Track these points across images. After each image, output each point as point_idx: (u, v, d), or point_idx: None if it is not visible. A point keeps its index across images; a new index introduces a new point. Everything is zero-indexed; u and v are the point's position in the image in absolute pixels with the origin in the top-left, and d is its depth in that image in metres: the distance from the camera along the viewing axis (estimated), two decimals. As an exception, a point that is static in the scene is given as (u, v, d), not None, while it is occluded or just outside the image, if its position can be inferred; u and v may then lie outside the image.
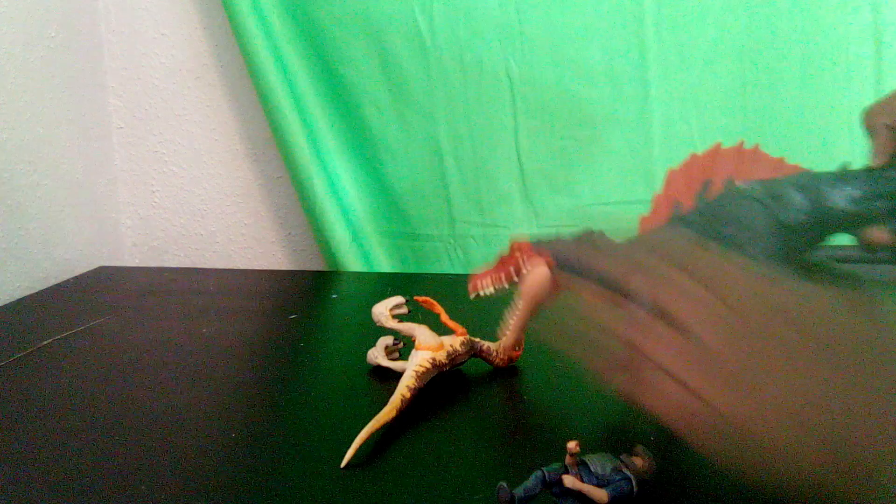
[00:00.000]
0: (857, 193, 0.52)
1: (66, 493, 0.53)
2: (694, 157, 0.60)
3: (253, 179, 1.33)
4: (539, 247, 0.61)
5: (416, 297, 0.71)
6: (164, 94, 1.31)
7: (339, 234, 1.20)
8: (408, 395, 0.61)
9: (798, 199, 0.53)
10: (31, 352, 0.81)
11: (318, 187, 1.18)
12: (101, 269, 1.24)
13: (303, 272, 1.31)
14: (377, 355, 0.73)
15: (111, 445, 0.60)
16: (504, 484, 0.44)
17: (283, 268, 1.37)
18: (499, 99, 1.14)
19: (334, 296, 1.10)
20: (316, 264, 1.33)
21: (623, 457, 0.47)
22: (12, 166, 1.05)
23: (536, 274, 0.60)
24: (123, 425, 0.64)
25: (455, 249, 1.20)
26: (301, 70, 1.19)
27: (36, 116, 1.11)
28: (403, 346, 0.75)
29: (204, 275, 1.22)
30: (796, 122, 1.05)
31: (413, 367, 0.64)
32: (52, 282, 1.13)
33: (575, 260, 0.56)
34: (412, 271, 1.22)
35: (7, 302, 1.02)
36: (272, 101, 1.17)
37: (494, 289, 0.61)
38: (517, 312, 0.65)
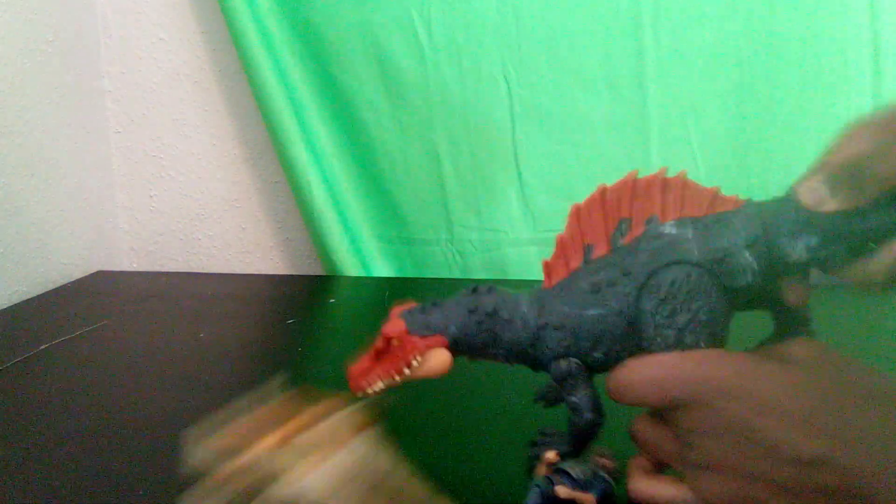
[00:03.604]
0: (814, 241, 0.43)
1: (63, 498, 0.53)
2: (604, 188, 0.48)
3: (251, 184, 1.33)
4: (422, 328, 0.49)
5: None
6: (161, 98, 1.31)
7: (337, 239, 1.20)
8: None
9: (747, 260, 0.44)
10: (29, 356, 0.81)
11: (316, 192, 1.18)
12: (99, 273, 1.24)
13: (300, 277, 1.31)
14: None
15: (109, 449, 0.60)
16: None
17: (281, 272, 1.37)
18: (496, 103, 1.14)
19: (332, 300, 1.10)
20: (314, 269, 1.33)
21: (593, 459, 0.48)
22: (10, 171, 1.05)
23: (435, 362, 0.48)
24: (121, 429, 0.64)
25: (453, 254, 1.20)
26: (299, 74, 1.19)
27: (33, 121, 1.11)
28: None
29: (202, 279, 1.22)
30: (794, 126, 1.05)
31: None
32: (50, 286, 1.13)
33: (475, 335, 0.48)
34: (410, 276, 1.22)
35: (5, 306, 1.02)
36: (270, 106, 1.17)
37: (386, 386, 0.49)
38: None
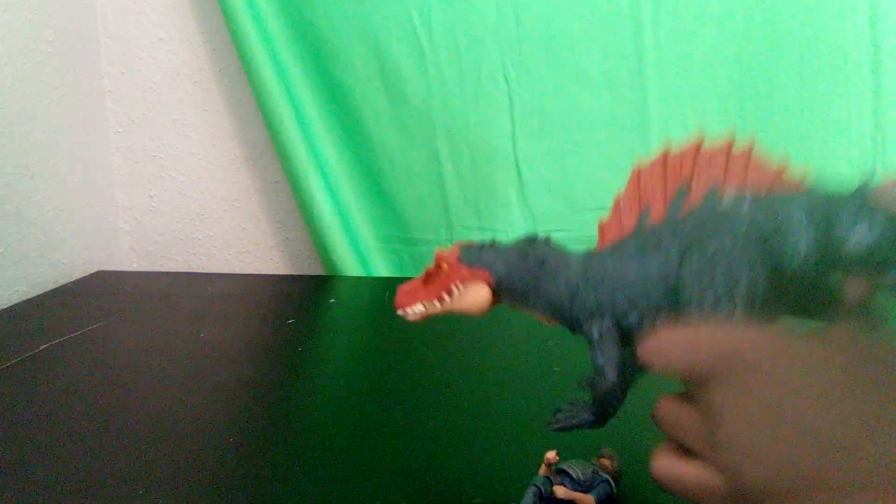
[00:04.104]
0: (873, 238, 0.40)
1: (64, 497, 0.53)
2: (667, 152, 0.48)
3: (251, 184, 1.33)
4: (473, 260, 0.50)
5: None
6: (161, 98, 1.31)
7: (337, 239, 1.20)
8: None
9: (799, 240, 0.41)
10: (30, 356, 0.81)
11: (316, 192, 1.18)
12: (99, 273, 1.24)
13: (300, 277, 1.31)
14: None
15: (109, 449, 0.60)
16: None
17: (281, 272, 1.37)
18: (497, 104, 1.14)
19: (332, 300, 1.10)
20: (314, 269, 1.33)
21: (594, 461, 0.48)
22: (10, 171, 1.05)
23: (474, 297, 0.49)
24: (121, 429, 0.64)
25: (453, 254, 1.20)
26: (299, 75, 1.19)
27: (34, 121, 1.11)
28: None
29: (202, 279, 1.22)
30: (794, 127, 1.05)
31: None
32: (50, 286, 1.13)
33: (519, 280, 0.48)
34: (410, 276, 1.22)
35: (5, 306, 1.02)
36: (270, 106, 1.17)
37: (426, 309, 0.49)
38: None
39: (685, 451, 0.39)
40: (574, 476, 0.46)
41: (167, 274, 1.28)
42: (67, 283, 1.16)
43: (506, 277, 0.48)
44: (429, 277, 0.50)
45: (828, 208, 0.42)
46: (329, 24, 1.14)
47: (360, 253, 1.23)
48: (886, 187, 0.41)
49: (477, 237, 1.16)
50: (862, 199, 0.41)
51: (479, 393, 0.70)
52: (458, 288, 0.48)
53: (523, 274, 0.48)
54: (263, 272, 1.36)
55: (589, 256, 0.48)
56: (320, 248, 1.23)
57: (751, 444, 0.35)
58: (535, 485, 0.46)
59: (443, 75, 1.13)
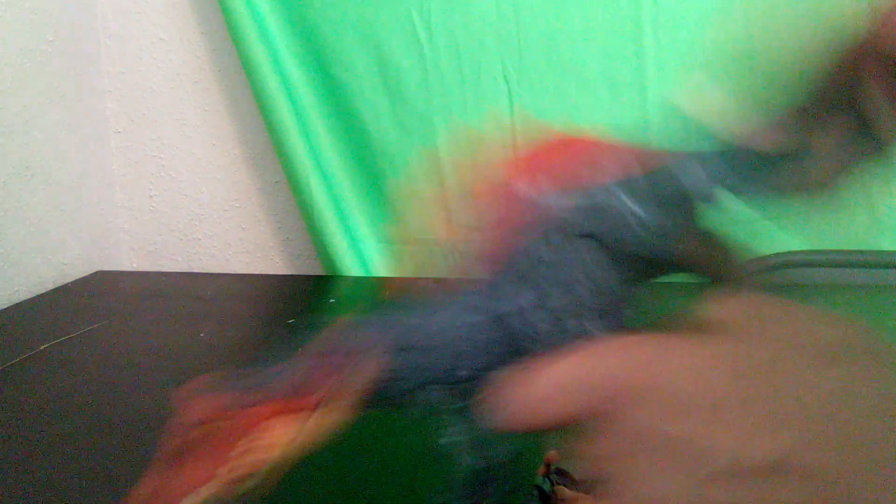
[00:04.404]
0: (712, 159, 0.33)
1: (63, 498, 0.53)
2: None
3: (251, 184, 1.33)
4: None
5: None
6: (161, 98, 1.31)
7: (337, 239, 1.20)
8: None
9: (626, 205, 0.33)
10: (29, 356, 0.81)
11: (316, 192, 1.18)
12: (99, 273, 1.24)
13: (300, 277, 1.31)
14: None
15: (108, 450, 0.60)
16: None
17: (281, 272, 1.37)
18: (496, 103, 1.14)
19: (332, 301, 1.10)
20: (314, 269, 1.33)
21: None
22: (10, 170, 1.05)
23: None
24: (121, 430, 0.64)
25: (453, 255, 1.20)
26: (299, 74, 1.19)
27: (33, 120, 1.11)
28: None
29: (201, 279, 1.22)
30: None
31: None
32: (50, 286, 1.13)
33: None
34: (409, 277, 1.22)
35: (5, 306, 1.02)
36: (270, 106, 1.17)
37: None
38: None
39: None
40: (575, 476, 0.46)
41: (167, 274, 1.28)
42: (67, 283, 1.16)
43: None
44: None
45: (641, 156, 0.34)
46: (329, 24, 1.14)
47: (360, 253, 1.23)
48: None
49: (477, 237, 1.17)
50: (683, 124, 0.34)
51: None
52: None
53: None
54: (263, 272, 1.36)
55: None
56: (320, 247, 1.22)
57: (641, 494, 0.27)
58: (537, 485, 0.46)
59: (442, 74, 1.13)
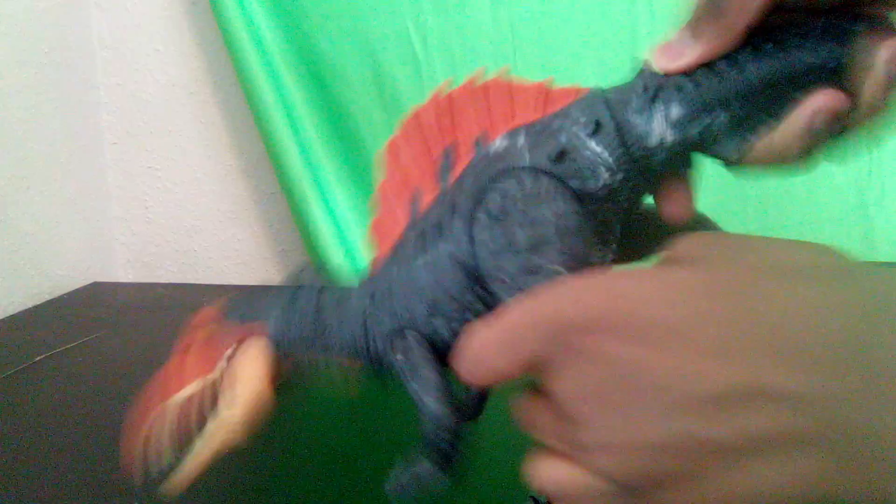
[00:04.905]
0: (677, 111, 0.31)
1: (59, 510, 0.52)
2: (418, 112, 0.38)
3: (247, 196, 1.33)
4: (241, 314, 0.41)
5: None
6: (157, 110, 1.32)
7: (333, 251, 1.20)
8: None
9: (594, 152, 0.32)
10: (25, 368, 0.81)
11: (312, 204, 1.18)
12: (95, 284, 1.24)
13: (296, 288, 1.30)
14: None
15: (104, 461, 0.59)
16: None
17: (277, 284, 1.36)
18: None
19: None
20: (310, 280, 1.33)
21: None
22: (6, 182, 1.05)
23: (252, 363, 0.39)
24: (117, 441, 0.63)
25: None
26: (295, 86, 1.19)
27: (29, 132, 1.11)
28: None
29: (197, 291, 1.21)
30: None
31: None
32: (46, 297, 1.12)
33: (301, 325, 0.39)
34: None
35: (0, 318, 1.02)
36: (266, 118, 1.17)
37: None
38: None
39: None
40: None
41: (163, 285, 1.28)
42: (63, 295, 1.15)
43: (285, 325, 0.40)
44: (186, 354, 0.40)
45: (610, 102, 0.34)
46: (324, 36, 1.14)
47: (356, 265, 1.23)
48: (654, 48, 0.33)
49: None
50: (649, 77, 0.33)
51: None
52: (225, 359, 0.38)
53: (302, 317, 0.40)
54: (259, 283, 1.36)
55: (370, 274, 0.39)
56: (316, 259, 1.22)
57: (615, 431, 0.26)
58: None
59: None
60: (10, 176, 1.06)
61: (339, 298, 0.39)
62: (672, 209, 0.34)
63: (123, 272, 1.39)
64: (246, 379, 0.38)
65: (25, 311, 1.06)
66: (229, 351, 0.39)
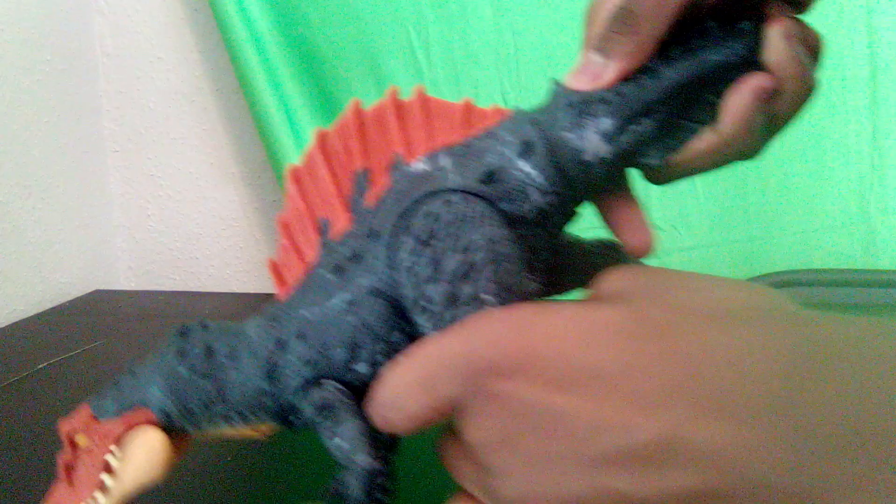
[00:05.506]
0: (607, 124, 0.31)
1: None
2: (323, 134, 0.36)
3: (248, 203, 1.33)
4: (114, 406, 0.39)
5: None
6: (159, 117, 1.32)
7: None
8: None
9: (525, 172, 0.31)
10: (26, 376, 0.81)
11: (314, 210, 1.18)
12: (96, 292, 1.24)
13: (298, 295, 1.30)
14: None
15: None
16: None
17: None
18: (494, 122, 1.14)
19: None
20: (311, 287, 1.33)
21: None
22: (7, 190, 1.05)
23: (145, 453, 0.35)
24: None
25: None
26: (297, 93, 1.19)
27: (31, 140, 1.11)
28: None
29: (199, 298, 1.21)
30: (790, 146, 1.05)
31: None
32: (47, 305, 1.12)
33: (192, 390, 0.35)
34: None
35: (2, 325, 1.01)
36: (268, 125, 1.17)
37: None
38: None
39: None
40: None
41: (165, 293, 1.28)
42: (65, 302, 1.15)
43: (172, 397, 0.35)
44: (69, 470, 0.36)
45: (538, 121, 0.33)
46: (327, 43, 1.15)
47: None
48: (569, 73, 0.34)
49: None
50: (570, 96, 0.33)
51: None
52: (113, 455, 0.35)
53: (190, 381, 0.35)
54: (261, 291, 1.36)
55: (273, 310, 0.36)
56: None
57: (532, 483, 0.24)
58: None
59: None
60: (12, 183, 1.06)
61: (231, 349, 0.35)
62: (632, 239, 0.34)
63: (125, 280, 1.39)
64: (143, 474, 0.34)
65: (27, 318, 1.05)
66: (113, 459, 0.34)
